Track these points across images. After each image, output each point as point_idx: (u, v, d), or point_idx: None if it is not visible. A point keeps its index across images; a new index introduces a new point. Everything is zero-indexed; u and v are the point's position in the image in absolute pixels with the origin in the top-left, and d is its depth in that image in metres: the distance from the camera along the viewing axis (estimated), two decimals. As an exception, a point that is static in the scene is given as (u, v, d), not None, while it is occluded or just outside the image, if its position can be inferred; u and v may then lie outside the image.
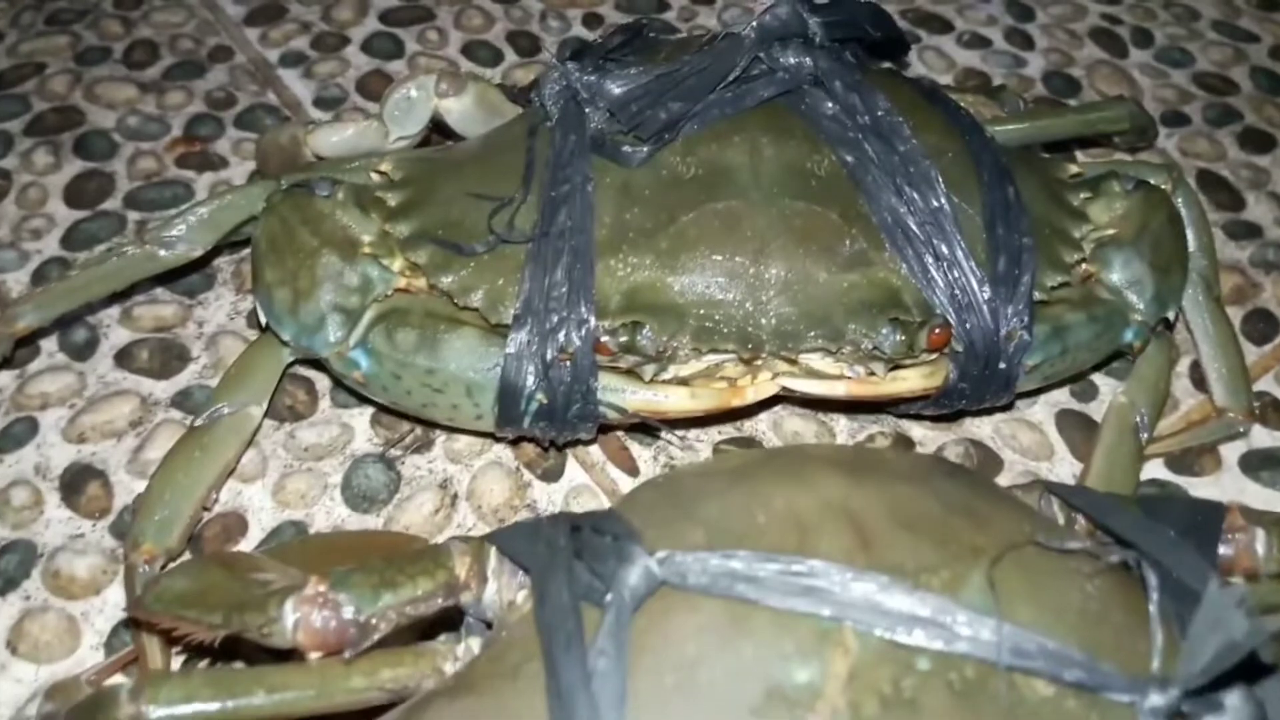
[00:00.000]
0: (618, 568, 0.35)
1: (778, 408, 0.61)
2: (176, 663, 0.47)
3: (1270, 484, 0.60)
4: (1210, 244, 0.64)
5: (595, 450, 0.59)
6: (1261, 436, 0.62)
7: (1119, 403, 0.58)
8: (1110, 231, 0.58)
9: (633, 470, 0.58)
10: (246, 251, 0.60)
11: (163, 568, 0.49)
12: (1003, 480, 0.59)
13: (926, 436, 0.61)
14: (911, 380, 0.53)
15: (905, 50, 0.71)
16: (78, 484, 0.56)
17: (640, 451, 0.59)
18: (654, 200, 0.52)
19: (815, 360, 0.52)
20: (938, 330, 0.50)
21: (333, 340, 0.52)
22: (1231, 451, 0.61)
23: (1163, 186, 0.61)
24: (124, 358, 0.61)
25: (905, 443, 0.60)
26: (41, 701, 0.44)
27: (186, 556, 0.52)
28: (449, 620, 0.41)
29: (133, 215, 0.69)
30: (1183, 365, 0.65)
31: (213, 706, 0.37)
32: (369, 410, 0.59)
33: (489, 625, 0.40)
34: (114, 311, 0.63)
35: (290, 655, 0.38)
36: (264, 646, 0.38)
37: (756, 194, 0.51)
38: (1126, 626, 0.36)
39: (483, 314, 0.51)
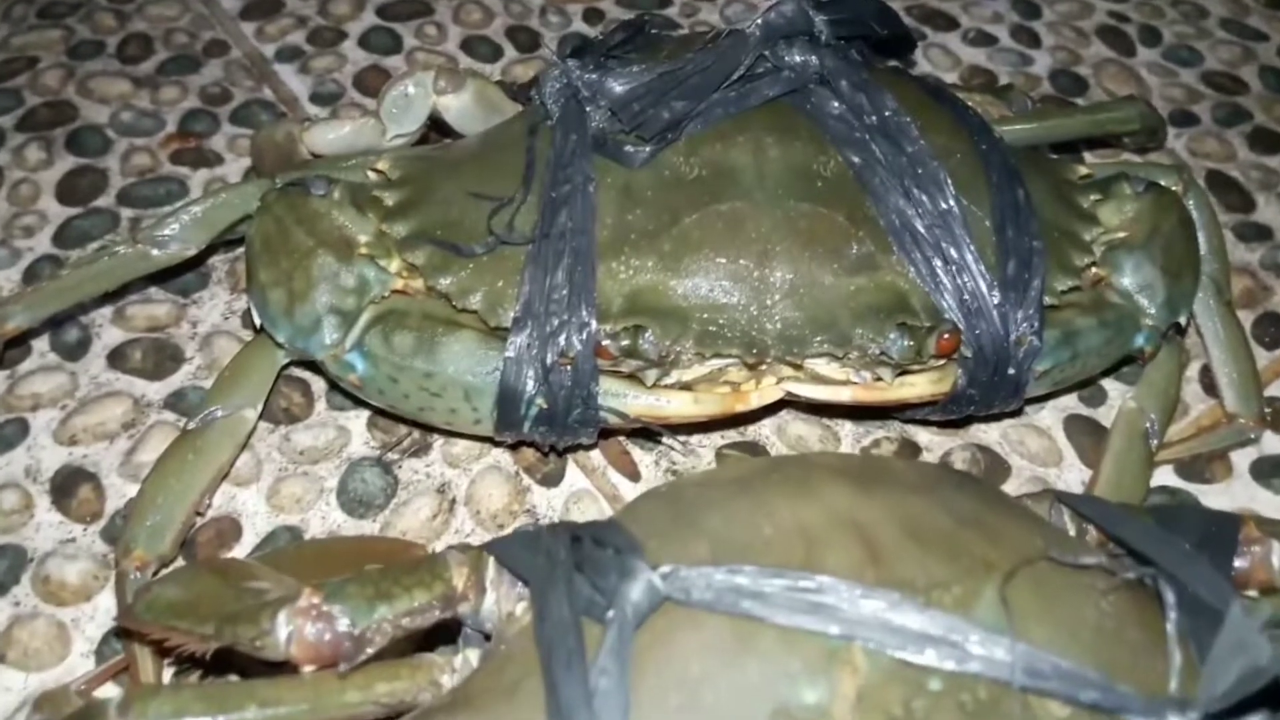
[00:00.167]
0: (620, 582, 0.34)
1: (782, 412, 0.60)
2: (169, 673, 0.46)
3: (1282, 491, 0.59)
4: (1221, 247, 0.63)
5: (596, 455, 0.58)
6: (1273, 443, 0.61)
7: (1128, 408, 0.57)
8: (1121, 234, 0.57)
9: (634, 475, 0.57)
10: (241, 250, 0.59)
11: (155, 574, 0.48)
12: (1010, 487, 0.58)
13: (933, 442, 0.60)
14: (919, 386, 0.52)
15: (911, 48, 0.70)
16: (69, 487, 0.55)
17: (642, 456, 0.58)
18: (657, 201, 0.51)
19: (821, 365, 0.51)
20: (946, 336, 0.49)
21: (328, 343, 0.51)
22: (1242, 458, 0.61)
23: (1173, 188, 0.60)
24: (116, 358, 0.60)
25: (911, 448, 0.59)
26: (30, 712, 0.43)
27: (180, 562, 0.51)
28: (448, 627, 0.40)
29: (126, 212, 0.68)
30: (1193, 370, 0.64)
31: (203, 722, 0.36)
32: (365, 413, 0.58)
33: (487, 636, 0.40)
34: (106, 311, 0.62)
35: (284, 668, 0.37)
36: (257, 659, 0.37)
37: (761, 195, 0.51)
38: (1143, 645, 0.35)
39: (481, 316, 0.50)
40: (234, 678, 0.42)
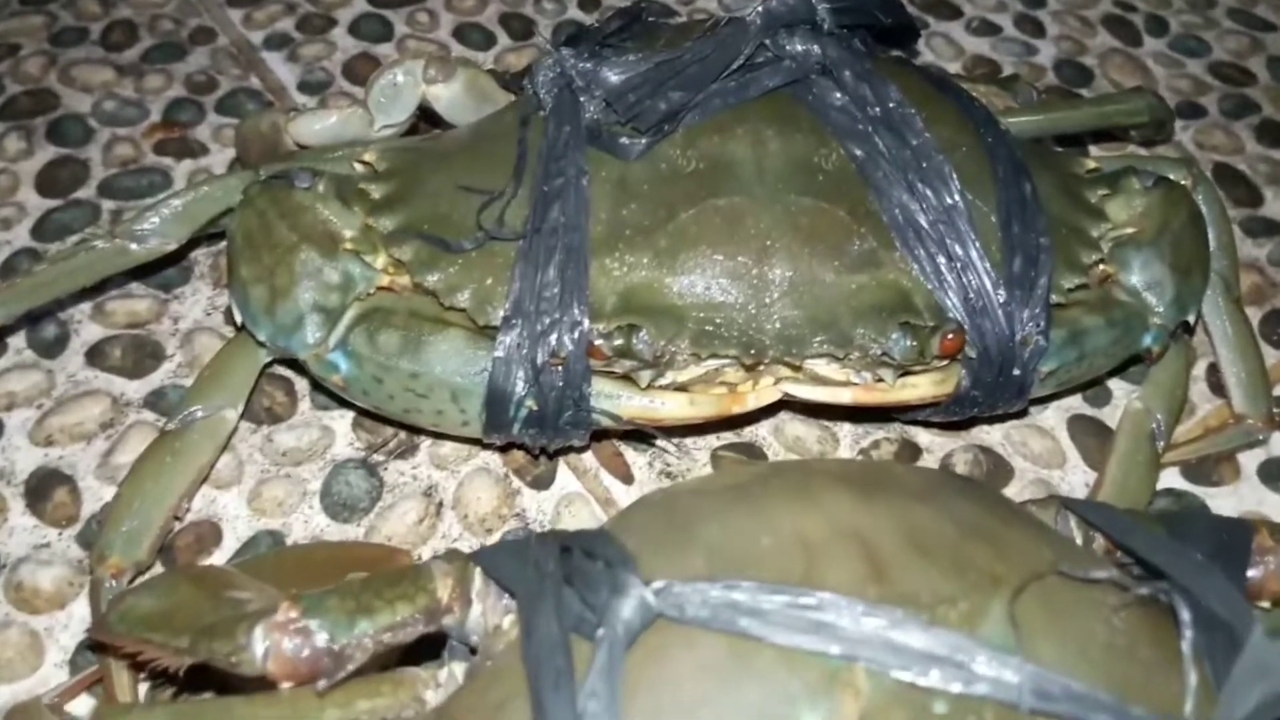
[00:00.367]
0: (610, 598, 0.32)
1: (779, 413, 0.58)
2: (146, 686, 0.44)
3: (1291, 494, 0.58)
4: (1231, 243, 0.62)
5: (588, 457, 0.56)
6: (1282, 445, 0.60)
7: (1134, 408, 0.56)
8: (1129, 230, 0.55)
9: (627, 478, 0.56)
10: (225, 244, 0.57)
11: (131, 581, 0.47)
12: (1013, 489, 0.57)
13: (934, 443, 0.58)
14: (922, 387, 0.50)
15: (915, 37, 0.68)
16: (44, 490, 0.53)
17: (635, 458, 0.56)
18: (652, 195, 0.49)
19: (820, 366, 0.50)
20: (951, 336, 0.48)
21: (311, 341, 0.49)
22: (1250, 460, 0.60)
23: (1183, 183, 0.59)
24: (95, 355, 0.59)
25: (912, 449, 0.58)
26: (0, 724, 0.41)
27: (159, 568, 0.49)
28: (433, 637, 0.39)
29: (108, 204, 0.66)
30: (1199, 369, 0.63)
31: (175, 742, 0.35)
32: (350, 413, 0.57)
33: (473, 650, 0.38)
34: (85, 306, 0.61)
35: (262, 683, 0.36)
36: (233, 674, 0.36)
37: (760, 189, 0.49)
38: (1156, 663, 0.33)
39: (470, 315, 0.48)
40: (209, 695, 0.40)
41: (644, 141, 0.50)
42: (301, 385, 0.58)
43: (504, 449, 0.55)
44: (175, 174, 0.68)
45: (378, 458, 0.55)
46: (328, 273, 0.49)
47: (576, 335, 0.47)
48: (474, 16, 0.81)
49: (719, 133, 0.51)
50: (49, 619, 0.49)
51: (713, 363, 0.49)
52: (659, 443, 0.56)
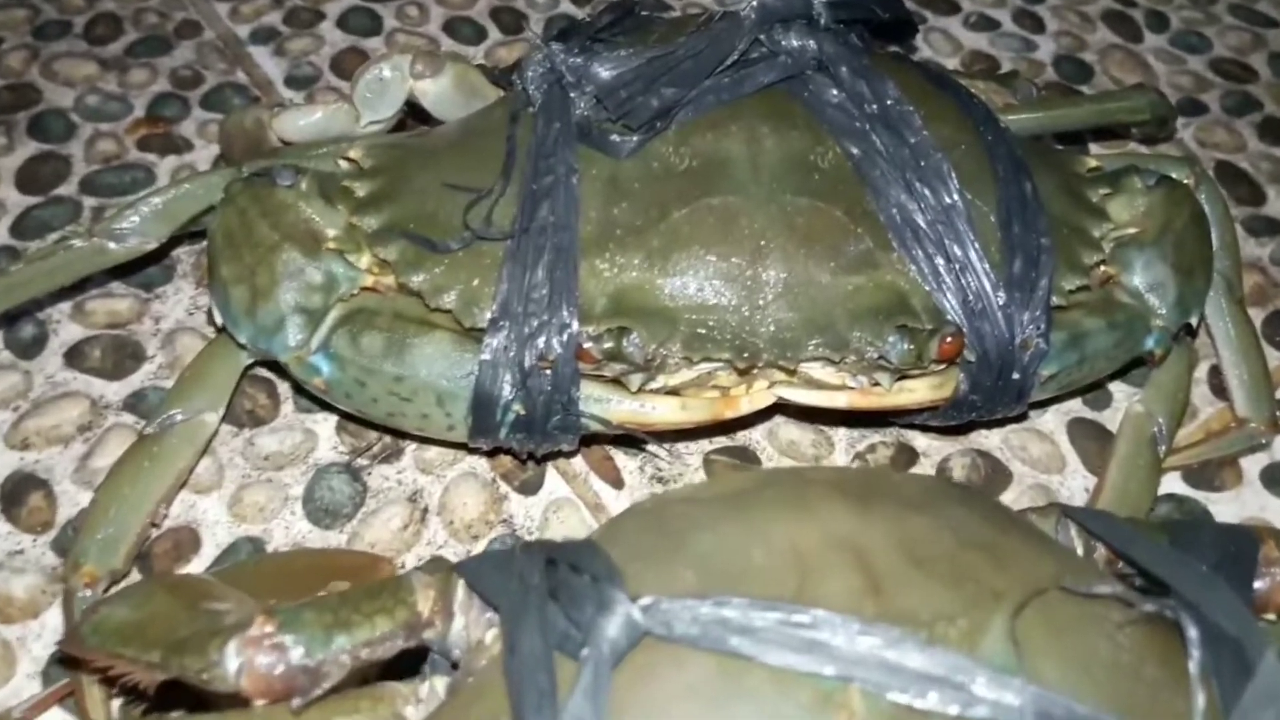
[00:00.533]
0: (596, 615, 0.31)
1: (774, 416, 0.57)
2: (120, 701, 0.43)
3: (1294, 500, 0.57)
4: (1234, 242, 0.61)
5: (578, 461, 0.55)
6: (1285, 449, 0.59)
7: (1135, 412, 0.55)
8: (1131, 231, 0.54)
9: (617, 482, 0.54)
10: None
11: (106, 590, 0.46)
12: (1011, 494, 0.56)
13: (931, 447, 0.57)
14: (919, 392, 0.49)
15: (913, 33, 0.67)
16: (18, 495, 0.52)
17: (626, 462, 0.55)
18: (644, 194, 0.48)
19: (815, 369, 0.49)
20: (949, 339, 0.47)
21: (292, 344, 0.48)
22: (1253, 464, 0.59)
23: (1185, 182, 0.58)
24: (74, 356, 0.57)
25: (908, 453, 0.57)
26: (-32, 739, 0.40)
27: (136, 575, 0.48)
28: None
29: (89, 201, 0.65)
30: (1201, 371, 0.62)
31: (144, 762, 0.33)
32: (334, 416, 0.55)
33: (455, 664, 0.37)
34: (65, 306, 0.59)
35: (238, 698, 0.35)
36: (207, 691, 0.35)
37: (755, 189, 0.48)
38: (1162, 683, 0.32)
39: (456, 317, 0.47)
40: (179, 713, 0.39)
41: (636, 139, 0.49)
42: (284, 387, 0.56)
43: (491, 453, 0.53)
44: (159, 170, 0.67)
45: (362, 462, 0.54)
46: (310, 273, 0.48)
47: (565, 338, 0.46)
48: (464, 10, 0.80)
49: (713, 130, 0.50)
50: (21, 628, 0.48)
51: (705, 366, 0.48)
52: (650, 448, 0.55)
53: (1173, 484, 0.57)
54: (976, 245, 0.48)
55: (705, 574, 0.33)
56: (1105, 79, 0.79)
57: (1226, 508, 0.57)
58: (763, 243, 0.47)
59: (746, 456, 0.56)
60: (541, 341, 0.46)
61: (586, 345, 0.46)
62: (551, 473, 0.54)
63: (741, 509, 0.36)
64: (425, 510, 0.53)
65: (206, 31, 0.76)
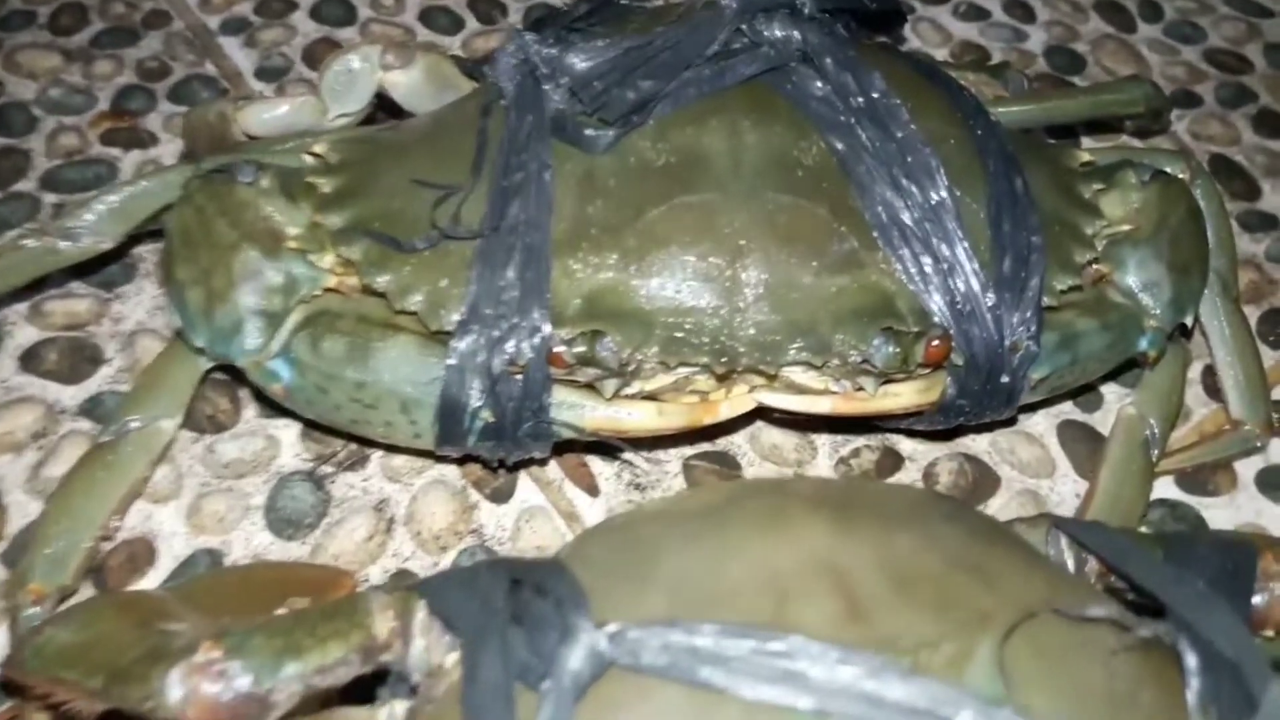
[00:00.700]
0: (559, 645, 0.29)
1: (755, 421, 0.55)
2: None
3: (1290, 505, 0.56)
4: (1230, 239, 0.60)
5: (551, 467, 0.53)
6: (1281, 452, 0.57)
7: (1127, 414, 0.53)
8: (1125, 227, 0.53)
9: (592, 489, 0.52)
10: (167, 241, 0.54)
11: (56, 607, 0.44)
12: (999, 499, 0.54)
13: (917, 451, 0.56)
14: (905, 396, 0.48)
15: (901, 22, 0.65)
16: (-32, 506, 0.50)
17: (602, 468, 0.53)
18: (620, 192, 0.46)
19: (797, 374, 0.47)
20: (936, 342, 0.45)
21: (250, 348, 0.46)
22: (1248, 468, 0.57)
23: (1180, 176, 0.56)
24: (30, 359, 0.55)
25: (893, 458, 0.55)
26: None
27: (91, 590, 0.46)
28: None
29: (49, 198, 0.63)
30: (1195, 371, 0.60)
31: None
32: (298, 422, 0.53)
33: (414, 689, 0.35)
34: (21, 307, 0.57)
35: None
36: None
37: (735, 186, 0.46)
38: (1159, 711, 0.31)
39: (422, 319, 0.45)
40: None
41: (611, 133, 0.47)
42: (246, 392, 0.54)
43: (461, 460, 0.51)
44: (123, 165, 0.65)
45: (326, 469, 0.52)
46: (269, 274, 0.46)
47: (537, 342, 0.44)
48: (440, 0, 0.78)
49: (692, 124, 0.48)
50: (-32, 647, 0.46)
51: (683, 371, 0.46)
52: (627, 455, 0.53)
53: (1165, 489, 0.56)
54: (965, 244, 0.46)
55: (676, 598, 0.31)
56: (1098, 70, 0.77)
57: (1221, 513, 0.55)
58: (743, 242, 0.45)
59: (727, 462, 0.54)
60: (511, 345, 0.44)
61: (558, 349, 0.44)
62: (524, 480, 0.53)
63: (716, 526, 0.34)
64: (391, 520, 0.51)
65: (175, 22, 0.74)
